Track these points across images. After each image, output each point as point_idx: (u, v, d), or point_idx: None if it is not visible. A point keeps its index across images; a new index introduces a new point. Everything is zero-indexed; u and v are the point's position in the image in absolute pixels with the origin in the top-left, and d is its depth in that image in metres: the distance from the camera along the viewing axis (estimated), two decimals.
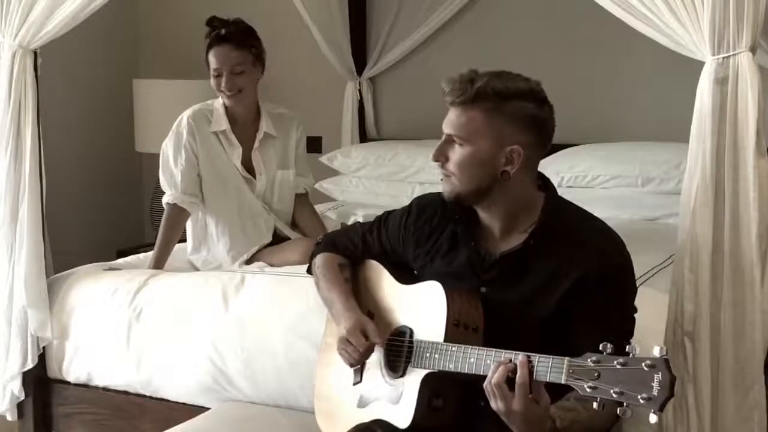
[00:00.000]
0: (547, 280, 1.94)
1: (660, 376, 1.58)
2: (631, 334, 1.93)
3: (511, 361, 1.75)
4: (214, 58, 3.17)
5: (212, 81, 3.21)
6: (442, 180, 2.03)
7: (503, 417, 1.76)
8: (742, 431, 2.17)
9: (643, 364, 1.60)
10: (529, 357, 1.73)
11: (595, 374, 1.64)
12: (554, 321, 1.93)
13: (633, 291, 2.00)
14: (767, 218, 2.13)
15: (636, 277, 2.06)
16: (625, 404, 1.60)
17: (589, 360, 1.66)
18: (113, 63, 5.03)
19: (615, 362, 1.63)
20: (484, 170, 1.95)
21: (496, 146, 1.93)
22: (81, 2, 2.84)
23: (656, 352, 1.61)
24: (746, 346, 2.15)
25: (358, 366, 2.13)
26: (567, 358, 1.69)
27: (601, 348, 1.66)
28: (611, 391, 1.61)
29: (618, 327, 1.89)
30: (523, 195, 2.00)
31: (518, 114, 1.92)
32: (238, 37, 3.19)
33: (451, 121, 1.97)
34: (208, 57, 3.19)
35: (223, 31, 3.17)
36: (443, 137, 1.99)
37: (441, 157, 2.00)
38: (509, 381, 1.73)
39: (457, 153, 1.97)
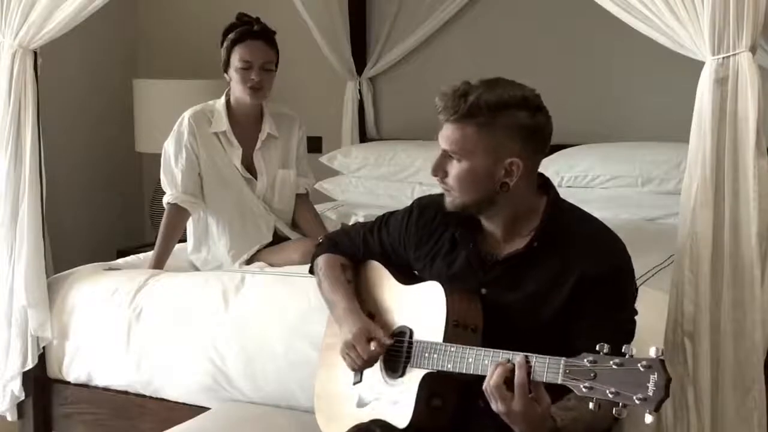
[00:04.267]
0: (549, 283, 1.95)
1: (656, 376, 1.59)
2: (632, 336, 1.93)
3: (509, 361, 1.75)
4: (246, 51, 3.16)
5: (237, 75, 3.18)
6: (443, 194, 2.04)
7: (504, 418, 1.76)
8: (742, 431, 2.17)
9: (639, 364, 1.61)
10: (527, 357, 1.73)
11: (592, 374, 1.65)
12: (556, 322, 1.93)
13: (633, 293, 2.00)
14: (767, 218, 2.13)
15: (636, 278, 2.06)
16: (620, 404, 1.61)
17: (585, 360, 1.66)
18: (113, 63, 5.02)
19: (611, 362, 1.64)
20: (484, 184, 1.95)
21: (493, 160, 1.93)
22: (81, 2, 2.84)
23: (652, 353, 1.61)
24: (746, 346, 2.15)
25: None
26: (564, 358, 1.69)
27: (597, 348, 1.66)
28: (607, 392, 1.62)
29: (618, 329, 1.89)
30: (523, 201, 2.00)
31: (513, 125, 1.91)
32: (269, 36, 3.22)
33: (447, 137, 1.96)
34: (232, 50, 3.18)
35: (255, 27, 3.20)
36: (440, 152, 1.99)
37: (440, 172, 2.00)
38: (508, 382, 1.73)
39: (455, 168, 1.97)
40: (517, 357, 1.74)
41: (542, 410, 1.74)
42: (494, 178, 1.94)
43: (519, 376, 1.72)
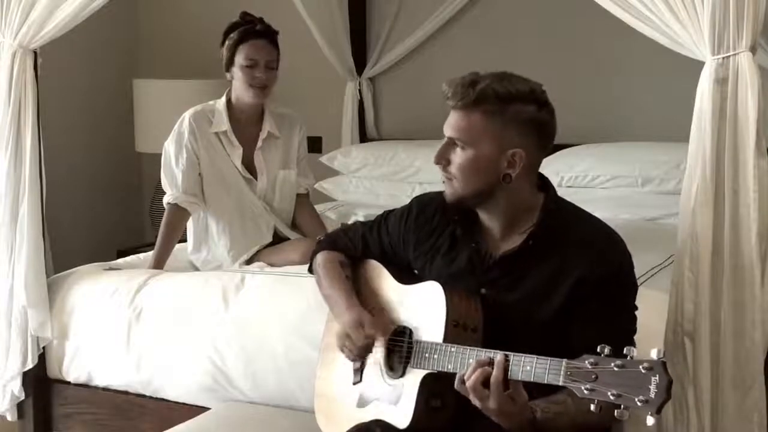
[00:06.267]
0: (548, 281, 1.95)
1: (657, 378, 1.59)
2: (634, 331, 1.94)
3: (491, 360, 1.76)
4: (251, 50, 3.18)
5: (241, 73, 3.19)
6: (443, 182, 2.03)
7: (481, 409, 1.78)
8: (742, 431, 2.17)
9: (641, 366, 1.60)
10: (506, 356, 1.75)
11: (593, 376, 1.65)
12: (555, 321, 1.93)
13: (634, 289, 2.00)
14: (767, 218, 2.13)
15: (636, 277, 2.06)
16: (622, 406, 1.61)
17: (586, 362, 1.66)
18: (113, 63, 5.02)
19: (612, 364, 1.63)
20: (486, 174, 1.95)
21: (497, 150, 1.93)
22: (81, 2, 2.84)
23: (654, 354, 1.61)
24: (746, 346, 2.15)
25: (359, 364, 2.14)
26: (565, 360, 1.69)
27: (599, 350, 1.67)
28: (609, 393, 1.62)
29: (621, 326, 1.90)
30: (523, 197, 2.00)
31: (519, 117, 1.92)
32: (273, 36, 3.24)
33: (453, 124, 1.96)
34: (237, 49, 3.19)
35: (259, 27, 3.21)
36: (444, 140, 1.99)
37: (442, 160, 2.00)
38: (485, 381, 1.75)
39: (458, 156, 1.97)
40: (498, 355, 1.76)
41: (518, 407, 1.75)
42: (497, 168, 1.94)
43: (495, 375, 1.74)
